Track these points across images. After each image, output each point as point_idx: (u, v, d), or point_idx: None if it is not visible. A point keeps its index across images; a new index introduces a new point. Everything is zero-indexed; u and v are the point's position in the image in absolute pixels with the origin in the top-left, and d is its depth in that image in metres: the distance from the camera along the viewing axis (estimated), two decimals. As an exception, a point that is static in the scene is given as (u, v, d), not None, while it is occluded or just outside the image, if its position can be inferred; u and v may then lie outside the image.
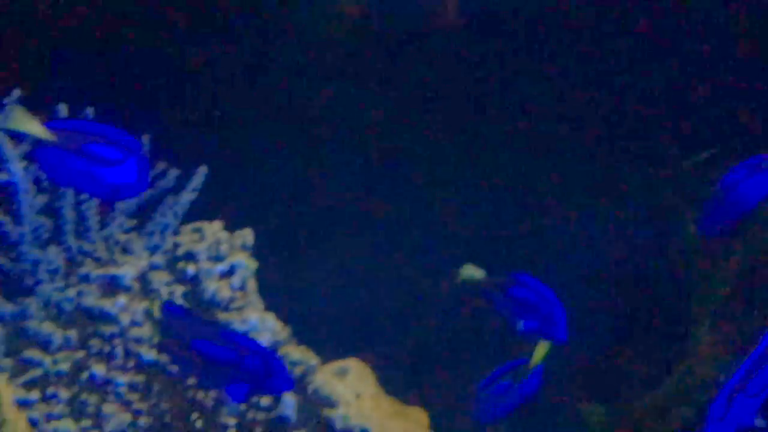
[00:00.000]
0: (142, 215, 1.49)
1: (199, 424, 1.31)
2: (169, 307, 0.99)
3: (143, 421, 1.31)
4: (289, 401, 1.30)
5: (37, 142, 0.94)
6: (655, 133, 1.74)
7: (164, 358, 1.29)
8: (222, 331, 0.98)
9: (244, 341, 0.96)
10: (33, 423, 1.27)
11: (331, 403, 1.29)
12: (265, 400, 1.31)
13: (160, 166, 1.50)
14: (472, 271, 1.17)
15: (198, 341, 0.95)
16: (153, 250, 1.40)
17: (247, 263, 1.33)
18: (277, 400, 1.31)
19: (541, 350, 1.19)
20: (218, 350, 0.95)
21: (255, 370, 0.95)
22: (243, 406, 1.30)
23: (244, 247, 1.33)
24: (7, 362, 1.32)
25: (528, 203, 1.77)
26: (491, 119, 1.78)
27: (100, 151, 0.95)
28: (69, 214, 1.41)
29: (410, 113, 1.78)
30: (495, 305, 1.16)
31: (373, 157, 1.78)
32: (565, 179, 1.77)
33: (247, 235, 1.34)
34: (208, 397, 1.30)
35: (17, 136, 0.98)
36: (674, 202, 1.64)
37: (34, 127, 0.92)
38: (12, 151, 1.35)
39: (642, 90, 1.76)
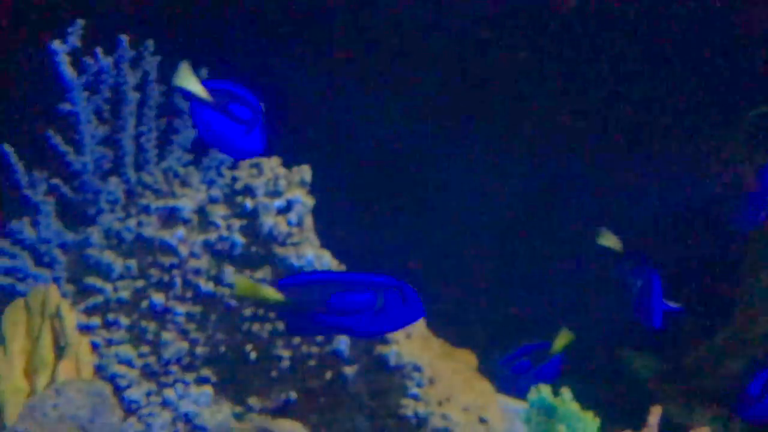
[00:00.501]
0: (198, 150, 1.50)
1: (253, 355, 1.33)
2: (284, 282, 0.99)
3: (200, 350, 1.33)
4: (343, 336, 1.31)
5: (194, 100, 1.01)
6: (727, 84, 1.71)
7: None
8: (347, 277, 0.99)
9: (377, 280, 0.97)
10: (94, 347, 1.30)
11: (384, 341, 1.30)
12: (319, 336, 1.32)
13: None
14: (610, 240, 1.22)
15: (335, 297, 0.97)
16: (209, 184, 1.41)
17: (304, 199, 1.33)
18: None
19: (562, 339, 1.24)
20: (358, 297, 0.96)
21: (395, 304, 0.97)
22: (297, 339, 1.32)
23: (302, 184, 1.33)
24: (70, 288, 1.35)
25: (606, 150, 1.78)
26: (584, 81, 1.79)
27: (237, 111, 1.02)
28: (129, 145, 1.43)
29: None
30: (620, 275, 1.22)
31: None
32: (638, 129, 1.77)
33: (305, 171, 1.34)
34: (263, 330, 1.31)
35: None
36: (738, 152, 1.61)
37: (197, 87, 1.00)
38: (75, 80, 1.36)
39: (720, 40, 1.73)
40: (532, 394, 1.47)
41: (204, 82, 1.01)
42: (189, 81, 1.00)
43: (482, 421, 1.45)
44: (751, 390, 1.05)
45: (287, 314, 1.01)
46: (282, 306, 1.00)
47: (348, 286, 0.97)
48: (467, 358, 1.54)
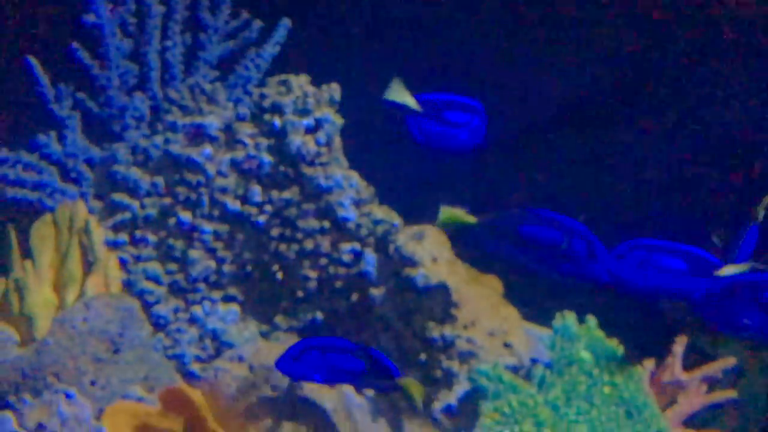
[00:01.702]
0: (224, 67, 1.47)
1: (280, 275, 1.33)
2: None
3: (227, 269, 1.33)
4: (370, 258, 1.31)
5: (409, 112, 1.09)
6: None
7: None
8: (544, 213, 1.01)
9: (568, 223, 1.00)
10: (122, 263, 1.31)
11: (413, 263, 1.29)
12: (347, 257, 1.31)
13: (244, 16, 1.47)
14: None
15: (525, 227, 1.01)
16: (236, 101, 1.39)
17: (333, 118, 1.30)
18: (358, 256, 1.31)
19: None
20: (545, 233, 1.00)
21: (580, 252, 1.00)
22: (324, 260, 1.32)
23: (331, 102, 1.31)
24: (97, 205, 1.35)
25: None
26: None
27: (452, 116, 1.11)
28: (154, 60, 1.40)
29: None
30: None
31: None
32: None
33: (334, 89, 1.31)
34: (290, 250, 1.31)
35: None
36: None
37: (409, 100, 1.09)
38: (99, -10, 1.33)
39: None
40: (557, 320, 1.47)
41: (417, 96, 1.10)
42: (401, 95, 1.08)
43: (507, 345, 1.45)
44: (712, 289, 1.06)
45: (482, 237, 1.05)
46: (475, 228, 1.08)
47: (540, 221, 1.00)
48: (494, 284, 1.54)
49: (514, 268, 1.16)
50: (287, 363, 1.09)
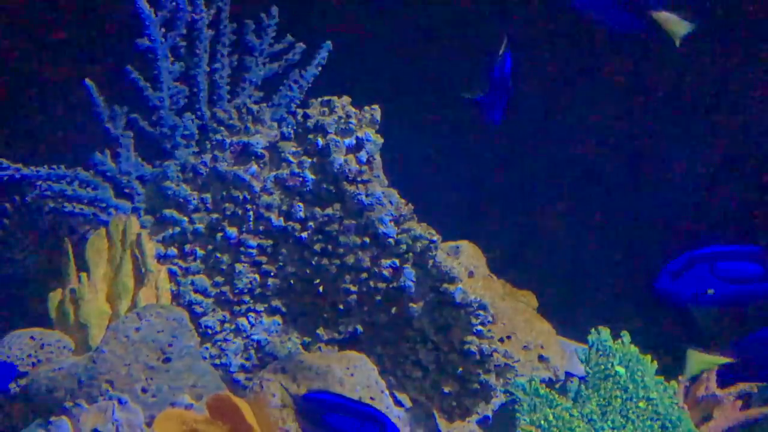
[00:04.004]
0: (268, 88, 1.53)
1: (321, 289, 1.38)
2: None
3: (271, 281, 1.38)
4: (409, 273, 1.34)
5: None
6: None
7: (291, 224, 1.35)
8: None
9: None
10: (172, 275, 1.36)
11: (450, 278, 1.33)
12: (387, 271, 1.35)
13: (287, 39, 1.52)
14: None
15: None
16: (280, 121, 1.44)
17: (374, 138, 1.35)
18: (398, 271, 1.35)
19: None
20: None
21: None
22: (364, 275, 1.36)
23: (372, 122, 1.35)
24: (148, 219, 1.41)
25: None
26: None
27: None
28: (203, 82, 1.46)
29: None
30: None
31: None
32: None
33: (375, 110, 1.35)
34: (331, 264, 1.35)
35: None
36: None
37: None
38: (152, 16, 1.40)
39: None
40: (592, 335, 1.49)
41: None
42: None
43: (542, 359, 1.48)
44: (670, 267, 1.08)
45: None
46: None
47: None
48: (529, 299, 1.57)
49: None
50: None
